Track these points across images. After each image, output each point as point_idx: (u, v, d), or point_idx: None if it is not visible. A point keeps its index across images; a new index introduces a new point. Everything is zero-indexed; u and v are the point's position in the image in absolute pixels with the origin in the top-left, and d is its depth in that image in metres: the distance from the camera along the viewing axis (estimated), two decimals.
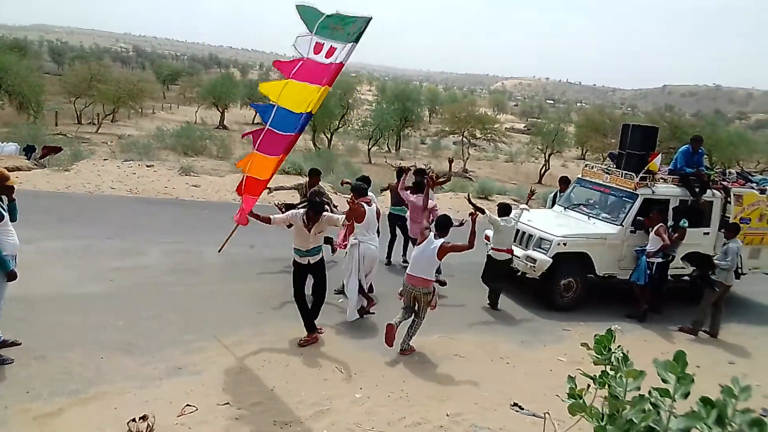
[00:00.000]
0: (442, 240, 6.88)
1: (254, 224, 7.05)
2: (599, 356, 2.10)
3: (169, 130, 25.92)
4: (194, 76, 56.65)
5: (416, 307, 6.99)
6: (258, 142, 6.58)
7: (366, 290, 7.83)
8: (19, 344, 5.96)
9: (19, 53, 35.33)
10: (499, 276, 8.90)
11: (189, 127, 28.28)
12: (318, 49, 6.22)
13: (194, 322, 7.08)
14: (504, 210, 8.97)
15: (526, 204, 9.66)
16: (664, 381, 1.96)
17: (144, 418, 4.87)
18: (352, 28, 6.13)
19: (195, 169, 17.23)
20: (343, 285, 8.00)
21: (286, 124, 6.34)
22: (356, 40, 6.09)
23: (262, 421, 5.16)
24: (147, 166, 17.01)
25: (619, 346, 2.01)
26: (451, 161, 10.56)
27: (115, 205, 12.49)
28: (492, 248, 8.92)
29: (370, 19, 6.11)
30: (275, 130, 6.43)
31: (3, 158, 16.32)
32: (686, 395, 1.93)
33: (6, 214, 5.60)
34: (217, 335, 6.78)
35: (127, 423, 4.80)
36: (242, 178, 6.85)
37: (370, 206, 7.79)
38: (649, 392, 2.00)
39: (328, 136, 30.95)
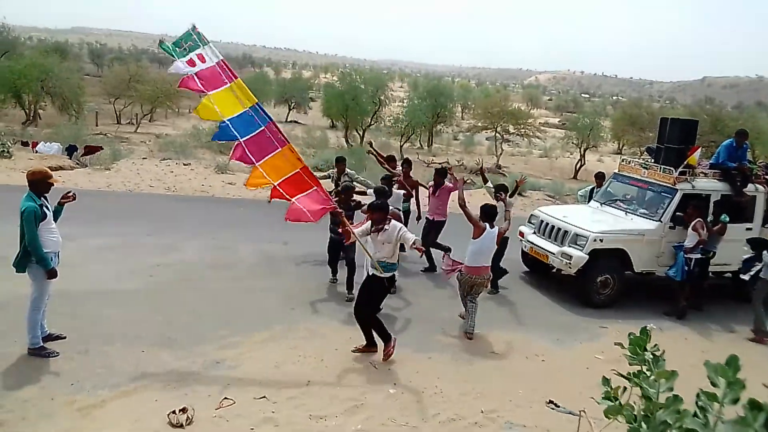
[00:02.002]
0: (496, 227, 7.51)
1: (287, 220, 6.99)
2: (635, 356, 2.07)
3: (205, 129, 26.30)
4: None
5: (472, 293, 7.48)
6: (251, 156, 6.52)
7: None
8: (64, 338, 6.16)
9: (60, 56, 36.29)
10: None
11: None
12: (191, 63, 6.48)
13: (230, 317, 7.21)
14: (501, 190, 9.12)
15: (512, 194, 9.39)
16: (714, 384, 1.91)
17: (183, 410, 4.98)
18: (192, 38, 6.58)
19: (230, 168, 17.50)
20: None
21: (249, 126, 6.52)
22: (206, 42, 6.63)
23: (297, 415, 5.22)
24: (184, 165, 17.36)
25: (655, 345, 1.97)
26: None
27: (154, 203, 12.79)
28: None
29: (192, 26, 6.66)
30: (250, 136, 6.51)
31: (47, 158, 16.87)
32: (736, 401, 1.87)
33: (50, 213, 5.78)
34: (252, 331, 6.88)
35: (167, 415, 4.92)
36: (274, 188, 6.67)
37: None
38: (698, 395, 1.95)
39: (361, 132, 31.04)
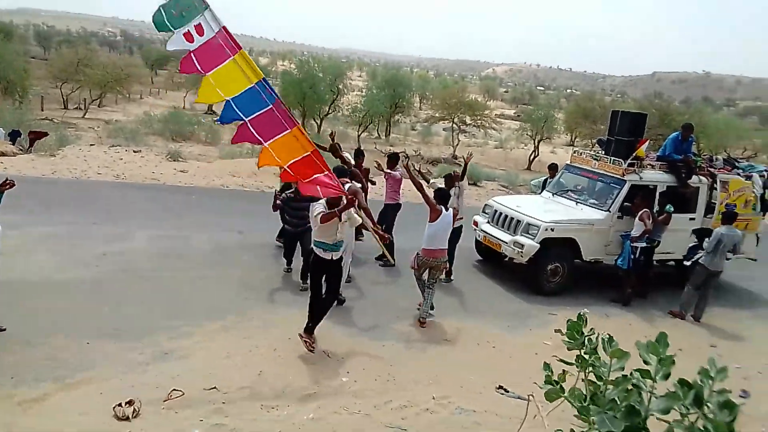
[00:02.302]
0: (451, 210, 7.71)
1: (243, 208, 6.97)
2: (572, 341, 2.12)
3: (157, 116, 25.63)
4: None
5: (429, 277, 7.61)
6: (258, 135, 6.18)
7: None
8: (4, 330, 5.93)
9: (4, 37, 34.64)
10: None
11: (177, 112, 27.99)
12: (188, 37, 6.02)
13: (181, 307, 7.07)
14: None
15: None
16: (646, 362, 1.98)
17: (130, 402, 4.87)
18: (188, 3, 6.01)
19: (183, 155, 17.10)
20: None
21: (254, 104, 6.12)
22: (206, 6, 6.01)
23: (248, 406, 5.18)
24: (134, 152, 16.87)
25: (591, 329, 2.03)
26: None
27: (102, 191, 12.38)
28: None
29: None
30: (255, 114, 6.15)
31: None
32: (667, 376, 1.95)
33: None
34: (204, 321, 6.77)
35: (113, 408, 4.80)
36: (284, 170, 6.44)
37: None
38: (631, 373, 2.02)
39: (318, 121, 30.80)
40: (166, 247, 9.18)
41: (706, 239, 9.05)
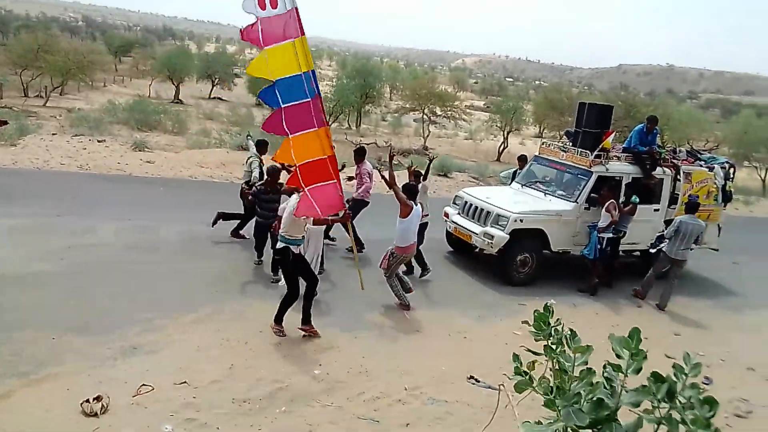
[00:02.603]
0: (419, 204, 7.86)
1: (212, 199, 6.90)
2: (539, 332, 2.16)
3: (122, 104, 25.06)
4: (148, 48, 54.59)
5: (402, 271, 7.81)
6: (286, 126, 6.14)
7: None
8: None
9: None
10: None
11: (142, 101, 27.40)
12: (262, 3, 5.98)
13: (150, 300, 6.96)
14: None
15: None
16: (618, 356, 2.03)
17: (98, 398, 4.80)
18: None
19: (149, 145, 16.77)
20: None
21: (294, 92, 6.11)
22: None
23: (220, 400, 5.14)
24: (98, 141, 16.47)
25: (558, 320, 2.08)
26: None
27: (65, 182, 12.08)
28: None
29: None
30: (291, 104, 6.12)
31: None
32: (638, 371, 2.00)
33: None
34: (175, 314, 6.68)
35: (81, 404, 4.72)
36: (294, 171, 6.37)
37: None
38: (604, 366, 2.07)
39: None
40: (134, 240, 9.02)
41: (669, 228, 9.33)
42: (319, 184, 6.31)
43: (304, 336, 6.58)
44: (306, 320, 6.64)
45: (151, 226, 9.71)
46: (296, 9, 6.05)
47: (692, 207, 9.19)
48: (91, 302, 6.72)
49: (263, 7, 5.96)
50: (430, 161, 9.99)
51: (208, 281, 7.80)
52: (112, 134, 18.43)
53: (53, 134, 17.49)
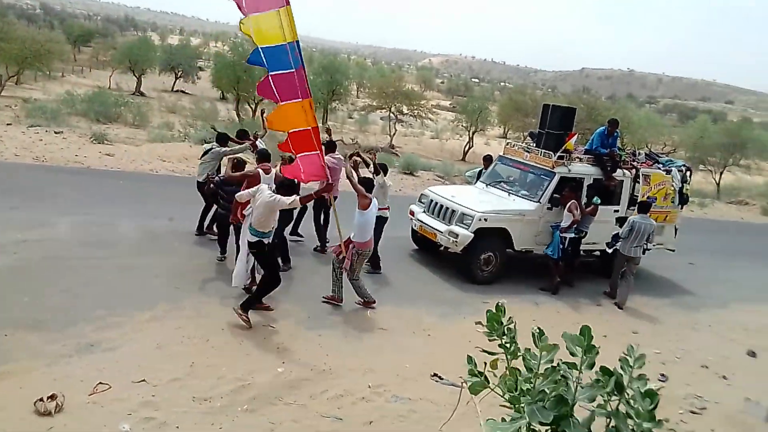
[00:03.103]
0: (375, 199, 7.68)
1: (174, 194, 6.76)
2: (492, 331, 2.17)
3: (81, 95, 24.33)
4: (108, 38, 53.17)
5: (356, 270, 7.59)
6: (276, 92, 6.28)
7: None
8: None
9: None
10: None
11: (102, 92, 26.66)
12: None
13: (107, 296, 6.77)
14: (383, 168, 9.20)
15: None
16: (572, 354, 2.06)
17: (53, 397, 4.64)
18: None
19: (109, 137, 16.33)
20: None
21: (279, 61, 6.19)
22: None
23: (179, 398, 5.04)
24: (55, 133, 15.94)
25: (510, 318, 2.09)
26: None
27: (20, 174, 11.66)
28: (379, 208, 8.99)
29: None
30: (277, 72, 6.22)
31: None
32: (591, 366, 2.04)
33: None
34: (133, 310, 6.52)
35: (34, 403, 4.56)
36: (285, 139, 6.60)
37: (268, 173, 7.79)
38: (558, 364, 2.10)
39: (253, 106, 30.15)
40: (92, 234, 8.76)
41: (623, 227, 9.62)
42: (305, 153, 6.48)
43: (267, 327, 6.50)
44: (246, 306, 6.60)
45: (109, 220, 9.45)
46: None
47: (644, 207, 9.55)
48: (46, 298, 6.51)
49: None
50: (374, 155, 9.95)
51: (168, 277, 7.64)
52: (70, 126, 17.88)
53: (8, 124, 16.87)
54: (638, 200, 10.21)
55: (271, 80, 6.23)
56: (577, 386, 2.03)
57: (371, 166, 8.98)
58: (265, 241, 6.59)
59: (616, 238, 9.84)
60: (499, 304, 2.14)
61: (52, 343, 5.60)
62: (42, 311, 6.19)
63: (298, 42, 6.29)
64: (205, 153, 9.18)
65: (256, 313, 6.81)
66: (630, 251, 9.43)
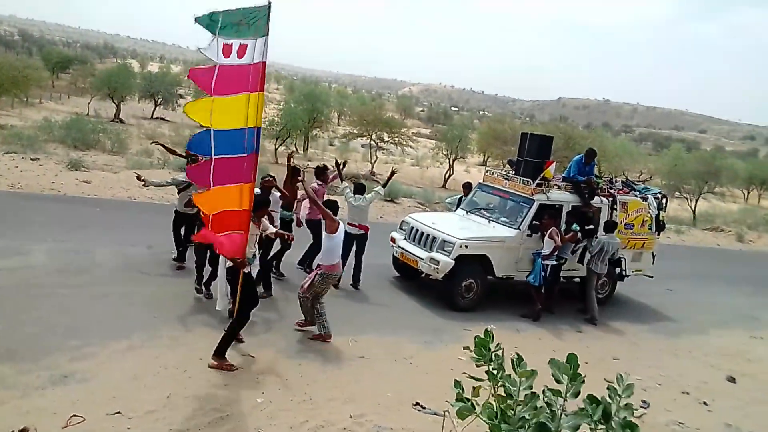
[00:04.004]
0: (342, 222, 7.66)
1: (153, 221, 6.68)
2: (480, 357, 2.18)
3: (58, 122, 24.10)
4: (87, 65, 52.96)
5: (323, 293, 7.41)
6: (211, 177, 5.82)
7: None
8: None
9: None
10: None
11: (80, 119, 26.42)
12: (227, 51, 5.70)
13: (83, 326, 6.62)
14: (358, 189, 9.42)
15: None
16: (558, 381, 2.06)
17: (24, 430, 4.51)
18: (257, 22, 5.75)
19: (86, 164, 16.16)
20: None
21: (232, 145, 5.77)
22: (265, 34, 5.75)
23: (156, 430, 4.91)
24: (32, 159, 15.74)
25: (498, 345, 2.09)
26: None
27: None
28: (348, 223, 8.94)
29: (269, 5, 5.74)
30: (224, 156, 5.78)
31: None
32: (577, 394, 2.03)
33: None
34: (109, 340, 6.37)
35: None
36: (209, 217, 6.05)
37: None
38: (543, 392, 2.09)
39: None
40: (68, 262, 8.60)
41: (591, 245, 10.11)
42: (228, 233, 6.03)
43: (239, 363, 6.39)
44: (220, 352, 6.24)
45: (84, 248, 9.30)
46: (264, 63, 5.80)
47: (610, 227, 10.06)
48: (19, 328, 6.34)
49: (227, 55, 5.69)
50: (393, 173, 10.25)
51: (145, 306, 7.50)
52: (46, 153, 17.66)
53: None
54: (616, 227, 10.34)
55: (212, 164, 5.80)
56: (561, 414, 2.02)
57: (341, 178, 9.48)
58: (245, 270, 6.40)
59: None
60: (488, 329, 2.15)
61: (26, 374, 5.45)
62: (15, 341, 6.02)
63: (259, 129, 5.90)
64: (186, 185, 8.90)
65: (233, 347, 6.60)
66: (596, 267, 9.97)
